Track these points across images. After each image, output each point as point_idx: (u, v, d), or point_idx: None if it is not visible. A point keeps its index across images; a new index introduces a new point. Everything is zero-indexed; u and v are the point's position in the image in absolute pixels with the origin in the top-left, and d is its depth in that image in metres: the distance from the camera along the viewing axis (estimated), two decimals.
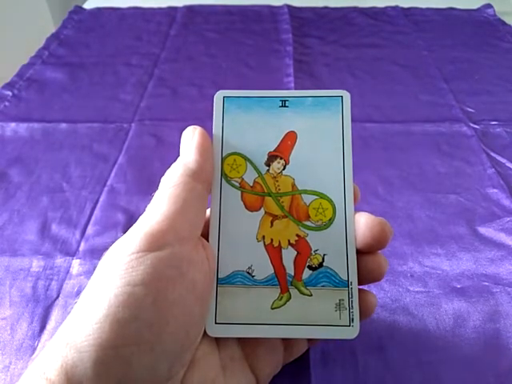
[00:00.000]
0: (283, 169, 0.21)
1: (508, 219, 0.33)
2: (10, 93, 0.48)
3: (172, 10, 0.67)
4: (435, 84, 0.50)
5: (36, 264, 0.31)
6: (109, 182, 0.37)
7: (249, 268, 0.20)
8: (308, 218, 0.21)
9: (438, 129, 0.43)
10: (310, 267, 0.20)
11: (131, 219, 0.34)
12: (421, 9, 0.67)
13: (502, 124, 0.43)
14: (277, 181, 0.21)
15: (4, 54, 0.88)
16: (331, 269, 0.20)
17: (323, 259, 0.20)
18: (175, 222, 0.18)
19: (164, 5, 0.68)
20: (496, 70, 0.52)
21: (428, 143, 0.41)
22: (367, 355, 0.25)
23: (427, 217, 0.34)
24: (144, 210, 0.19)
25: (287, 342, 0.22)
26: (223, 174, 0.21)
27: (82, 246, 0.32)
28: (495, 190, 0.36)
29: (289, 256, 0.21)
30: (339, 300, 0.20)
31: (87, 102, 0.47)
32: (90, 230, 0.33)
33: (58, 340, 0.16)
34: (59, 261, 0.31)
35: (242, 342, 0.21)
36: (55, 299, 0.28)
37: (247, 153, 0.22)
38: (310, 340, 0.22)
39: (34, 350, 0.26)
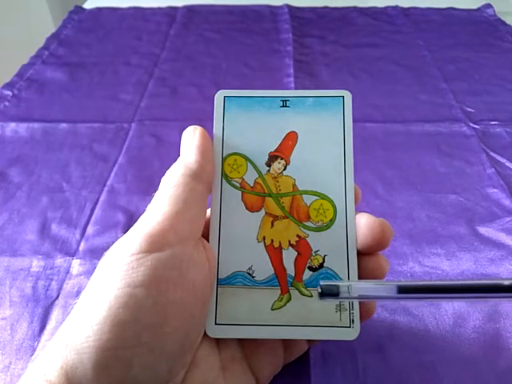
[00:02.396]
0: (284, 169, 0.21)
1: (508, 219, 0.33)
2: (10, 93, 0.48)
3: (172, 9, 0.67)
4: (435, 84, 0.50)
5: (36, 264, 0.31)
6: (109, 182, 0.37)
7: (249, 269, 0.20)
8: (309, 218, 0.21)
9: (437, 129, 0.43)
10: (310, 268, 0.20)
11: (131, 219, 0.34)
12: (421, 9, 0.67)
13: (502, 124, 0.43)
14: (277, 181, 0.21)
15: (4, 54, 0.88)
16: (332, 270, 0.20)
17: (324, 260, 0.20)
18: (175, 223, 0.18)
19: (164, 5, 0.68)
20: (496, 70, 0.52)
21: (428, 143, 0.41)
22: (367, 355, 0.25)
23: (427, 217, 0.34)
24: (144, 210, 0.19)
25: (287, 343, 0.22)
26: (224, 175, 0.21)
27: (82, 246, 0.32)
28: (495, 190, 0.36)
29: (289, 257, 0.20)
30: (339, 301, 0.20)
31: (87, 102, 0.47)
32: (89, 229, 0.33)
33: (58, 341, 0.16)
34: (59, 261, 0.31)
35: (242, 342, 0.21)
36: (55, 299, 0.28)
37: (248, 153, 0.22)
38: (310, 340, 0.22)
39: (33, 350, 0.26)
